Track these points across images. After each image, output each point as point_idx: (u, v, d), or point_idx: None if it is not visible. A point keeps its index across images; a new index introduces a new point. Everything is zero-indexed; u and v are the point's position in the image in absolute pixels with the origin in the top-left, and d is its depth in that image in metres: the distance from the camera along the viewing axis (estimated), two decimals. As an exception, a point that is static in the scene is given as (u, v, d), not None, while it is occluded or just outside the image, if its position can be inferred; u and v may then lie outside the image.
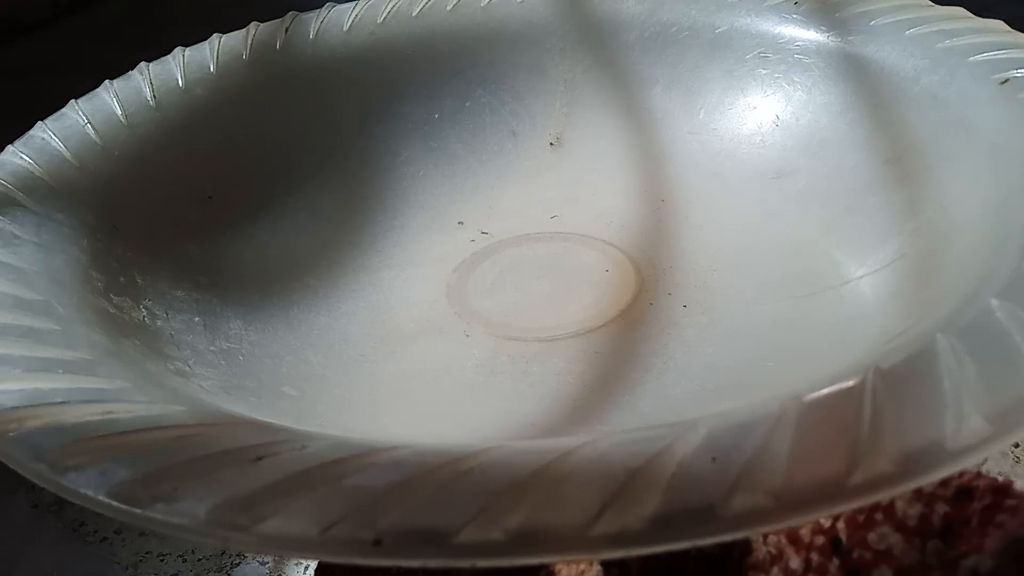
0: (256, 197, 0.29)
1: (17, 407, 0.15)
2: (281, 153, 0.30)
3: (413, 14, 0.32)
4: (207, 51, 0.30)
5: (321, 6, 0.32)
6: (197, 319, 0.24)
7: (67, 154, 0.25)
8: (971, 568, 0.16)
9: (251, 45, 0.30)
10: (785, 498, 0.11)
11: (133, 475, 0.13)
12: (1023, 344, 0.14)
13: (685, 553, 0.17)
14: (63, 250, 0.22)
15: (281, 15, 0.32)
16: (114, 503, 0.13)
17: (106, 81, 0.28)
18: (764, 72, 0.30)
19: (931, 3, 0.27)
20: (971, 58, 0.24)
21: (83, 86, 0.27)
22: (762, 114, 0.30)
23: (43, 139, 0.25)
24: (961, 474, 0.17)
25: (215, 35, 0.30)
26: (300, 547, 0.12)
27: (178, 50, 0.30)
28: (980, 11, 0.26)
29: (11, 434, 0.14)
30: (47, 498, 0.25)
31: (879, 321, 0.22)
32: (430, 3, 0.33)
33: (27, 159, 0.24)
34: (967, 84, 0.24)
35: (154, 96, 0.28)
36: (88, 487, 0.13)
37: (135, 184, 0.26)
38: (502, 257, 0.29)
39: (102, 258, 0.23)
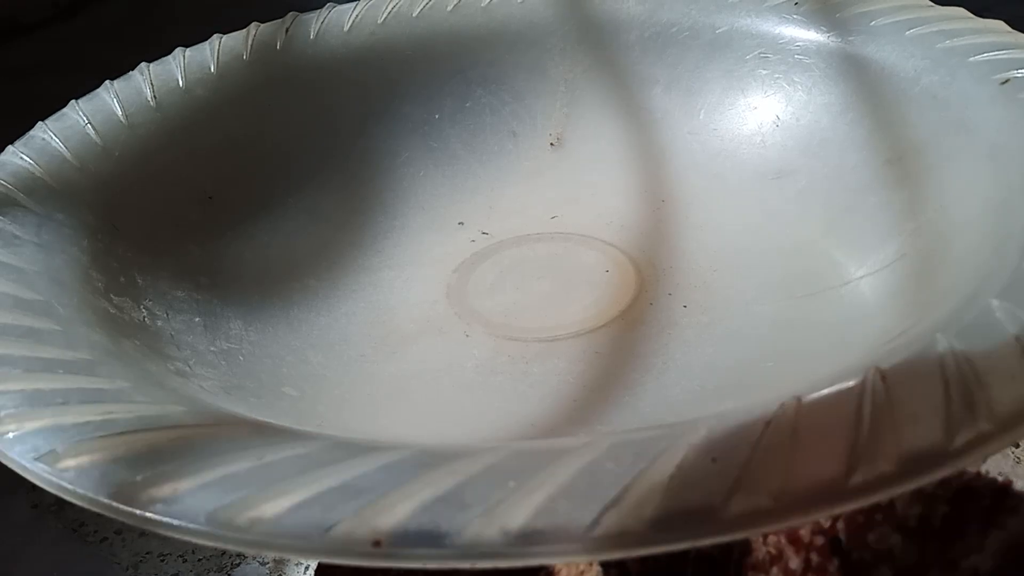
0: (256, 197, 0.29)
1: (17, 407, 0.15)
2: (281, 153, 0.30)
3: (413, 14, 0.32)
4: (207, 51, 0.30)
5: (321, 6, 0.32)
6: (197, 319, 0.24)
7: (67, 154, 0.25)
8: (971, 568, 0.16)
9: (251, 45, 0.30)
10: (785, 498, 0.11)
11: (133, 475, 0.13)
12: (1023, 344, 0.14)
13: (685, 553, 0.17)
14: (63, 250, 0.22)
15: (281, 15, 0.32)
16: (114, 503, 0.13)
17: (106, 81, 0.28)
18: (764, 72, 0.30)
19: (931, 3, 0.27)
20: (971, 58, 0.24)
21: (83, 86, 0.27)
22: (762, 114, 0.30)
23: (43, 139, 0.25)
24: (961, 474, 0.17)
25: (215, 35, 0.30)
26: (300, 548, 0.12)
27: (178, 50, 0.30)
28: (980, 11, 0.26)
29: (11, 434, 0.14)
30: (47, 498, 0.25)
31: (879, 321, 0.22)
32: (430, 3, 0.33)
33: (27, 159, 0.24)
34: (967, 84, 0.24)
35: (154, 96, 0.28)
36: (88, 487, 0.13)
37: (135, 184, 0.26)
38: (502, 257, 0.29)
39: (102, 258, 0.23)
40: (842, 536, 0.17)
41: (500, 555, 0.12)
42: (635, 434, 0.13)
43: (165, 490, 0.13)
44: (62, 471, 0.14)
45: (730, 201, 0.29)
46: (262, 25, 0.31)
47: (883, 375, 0.13)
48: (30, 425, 0.14)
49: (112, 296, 0.22)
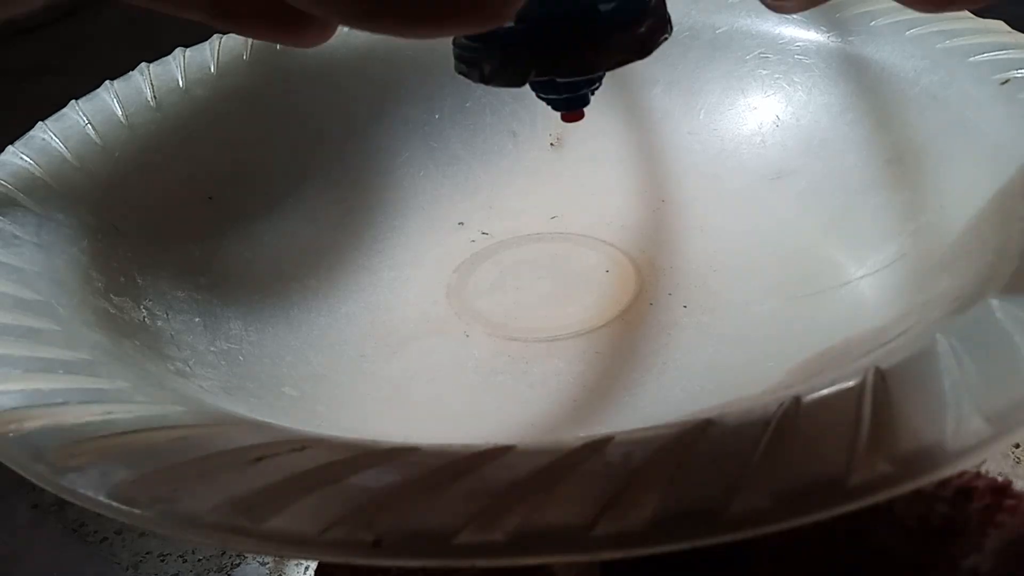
0: (256, 197, 0.29)
1: (17, 407, 0.15)
2: (281, 153, 0.30)
3: (413, 14, 0.32)
4: (207, 51, 0.30)
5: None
6: (197, 319, 0.24)
7: (67, 154, 0.25)
8: (971, 568, 0.16)
9: (251, 45, 0.30)
10: (785, 498, 0.11)
11: (133, 476, 0.13)
12: (1023, 344, 0.14)
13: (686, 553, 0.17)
14: (63, 250, 0.22)
15: (281, 15, 0.32)
16: (114, 504, 0.13)
17: (106, 81, 0.28)
18: (764, 73, 0.30)
19: (931, 3, 0.27)
20: (971, 59, 0.24)
21: (83, 86, 0.27)
22: (762, 115, 0.30)
23: (43, 139, 0.25)
24: (961, 474, 0.17)
25: (215, 35, 0.30)
26: (300, 547, 0.12)
27: (178, 50, 0.30)
28: (980, 12, 0.26)
29: (11, 434, 0.14)
30: (48, 498, 0.25)
31: (879, 321, 0.22)
32: (430, 3, 0.32)
33: (27, 159, 0.24)
34: (967, 84, 0.24)
35: (154, 96, 0.28)
36: (88, 488, 0.13)
37: (135, 184, 0.26)
38: (502, 257, 0.29)
39: (102, 258, 0.23)
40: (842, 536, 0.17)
41: (500, 555, 0.12)
42: (635, 434, 0.13)
43: (165, 490, 0.13)
44: (62, 471, 0.14)
45: (730, 201, 0.29)
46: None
47: (883, 375, 0.13)
48: (30, 425, 0.14)
49: (112, 296, 0.22)
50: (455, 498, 0.12)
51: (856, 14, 0.28)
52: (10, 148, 0.24)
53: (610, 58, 0.17)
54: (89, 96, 0.27)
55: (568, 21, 0.16)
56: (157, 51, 0.30)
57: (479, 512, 0.12)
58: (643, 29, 0.16)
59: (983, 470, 0.17)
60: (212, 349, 0.23)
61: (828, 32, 0.28)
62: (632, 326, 0.25)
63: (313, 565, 0.22)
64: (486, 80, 0.17)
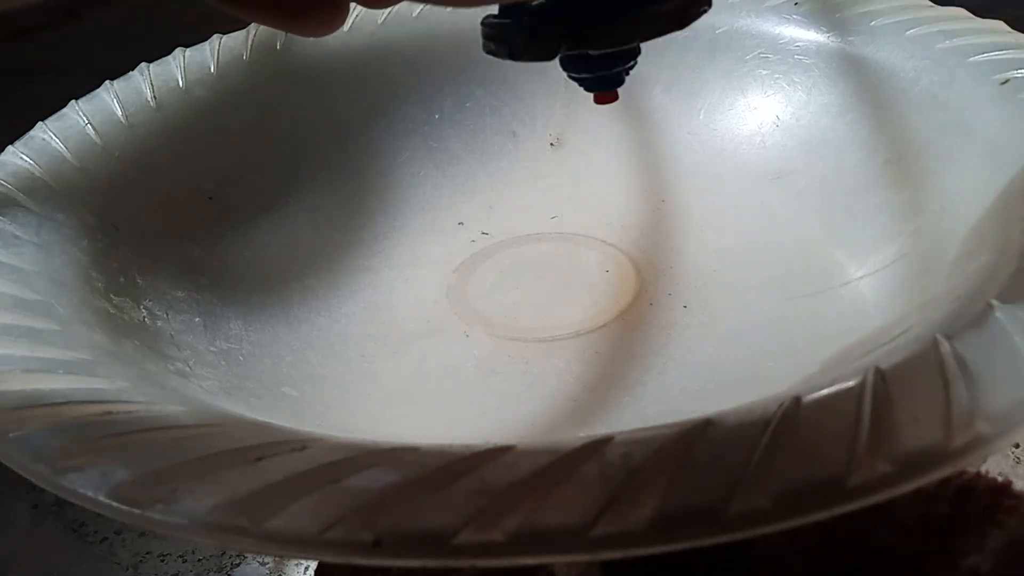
0: (256, 197, 0.29)
1: (17, 407, 0.15)
2: (281, 153, 0.30)
3: (413, 15, 0.32)
4: (207, 51, 0.30)
5: (321, 6, 0.32)
6: (197, 319, 0.24)
7: (67, 154, 0.25)
8: (971, 568, 0.16)
9: (251, 45, 0.30)
10: (785, 499, 0.11)
11: (133, 475, 0.13)
12: (1023, 344, 0.14)
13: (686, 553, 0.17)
14: (63, 250, 0.22)
15: (281, 15, 0.32)
16: (114, 504, 0.13)
17: (106, 81, 0.28)
18: (764, 73, 0.30)
19: (931, 3, 0.27)
20: (971, 59, 0.24)
21: (83, 86, 0.27)
22: (762, 115, 0.30)
23: (43, 139, 0.25)
24: (961, 474, 0.17)
25: (215, 35, 0.30)
26: (300, 547, 0.12)
27: (178, 50, 0.30)
28: (981, 12, 0.26)
29: (11, 434, 0.14)
30: (47, 498, 0.25)
31: (879, 321, 0.22)
32: (430, 3, 0.32)
33: (27, 159, 0.24)
34: (967, 85, 0.24)
35: (154, 96, 0.28)
36: (88, 488, 0.13)
37: (135, 184, 0.26)
38: (502, 258, 0.29)
39: (102, 258, 0.23)
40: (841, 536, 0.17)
41: (500, 555, 0.12)
42: (635, 434, 0.13)
43: (165, 490, 0.13)
44: (62, 471, 0.14)
45: (730, 201, 0.29)
46: (262, 25, 0.31)
47: (883, 375, 0.13)
48: (30, 425, 0.14)
49: (112, 296, 0.22)
50: (455, 498, 0.12)
51: (856, 14, 0.28)
52: (10, 148, 0.24)
53: (645, 28, 0.16)
54: (89, 96, 0.27)
55: None
56: (157, 51, 0.30)
57: (479, 512, 0.12)
58: None
59: (983, 470, 0.17)
60: (212, 349, 0.23)
61: (828, 32, 0.28)
62: (632, 326, 0.25)
63: (313, 565, 0.22)
64: (515, 56, 0.16)
